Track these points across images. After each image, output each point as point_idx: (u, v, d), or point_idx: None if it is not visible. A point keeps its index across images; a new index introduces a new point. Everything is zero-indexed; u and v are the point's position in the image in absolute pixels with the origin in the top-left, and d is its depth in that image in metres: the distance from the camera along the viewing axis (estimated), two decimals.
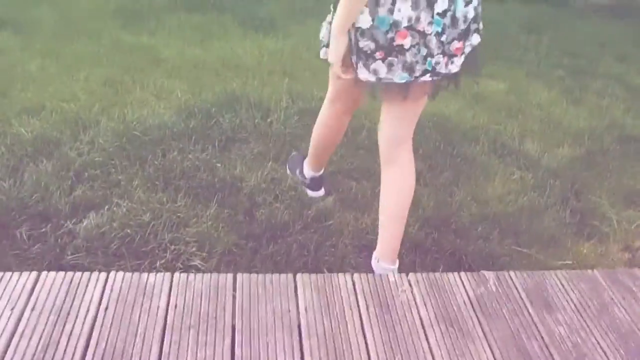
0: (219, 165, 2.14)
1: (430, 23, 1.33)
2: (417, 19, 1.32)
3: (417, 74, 1.38)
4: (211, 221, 1.88)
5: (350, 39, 1.38)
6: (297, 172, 2.14)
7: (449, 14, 1.35)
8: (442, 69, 1.40)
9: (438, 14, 1.33)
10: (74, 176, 1.98)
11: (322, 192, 2.12)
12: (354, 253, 1.85)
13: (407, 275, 1.54)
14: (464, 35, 1.41)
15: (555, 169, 2.62)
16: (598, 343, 1.42)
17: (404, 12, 1.31)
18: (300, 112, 2.69)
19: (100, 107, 2.47)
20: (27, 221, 1.73)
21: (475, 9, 1.41)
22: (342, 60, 1.43)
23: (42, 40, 3.06)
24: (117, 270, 1.49)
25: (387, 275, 1.51)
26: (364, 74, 1.41)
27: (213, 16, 3.75)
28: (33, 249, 1.64)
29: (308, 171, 2.08)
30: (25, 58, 2.82)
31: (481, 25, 1.47)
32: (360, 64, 1.40)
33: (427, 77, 1.40)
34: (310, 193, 2.10)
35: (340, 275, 1.49)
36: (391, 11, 1.31)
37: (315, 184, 2.09)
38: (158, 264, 1.67)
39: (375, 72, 1.39)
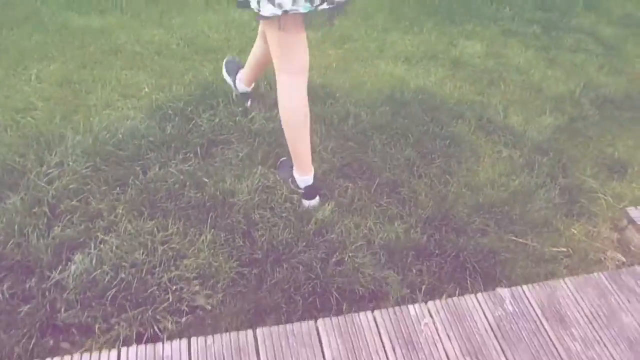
0: (206, 180, 1.99)
1: None
2: None
3: (317, 3, 1.61)
4: (209, 249, 1.77)
5: None
6: (290, 181, 2.06)
7: None
8: None
9: None
10: (49, 211, 1.79)
11: (317, 200, 2.04)
12: (362, 268, 1.81)
13: (426, 303, 1.51)
14: None
15: (540, 143, 2.62)
16: (612, 356, 1.46)
17: None
18: None
19: (61, 114, 2.22)
20: (7, 277, 1.57)
21: None
22: None
23: None
24: (122, 331, 1.39)
25: (408, 307, 1.48)
26: (269, 10, 1.58)
27: None
28: (21, 310, 1.49)
29: (300, 178, 2.00)
30: None
31: None
32: (264, 2, 1.57)
33: (325, 6, 1.64)
34: (305, 203, 2.01)
35: (361, 314, 1.44)
36: None
37: (310, 192, 2.01)
38: (161, 307, 1.57)
39: (280, 5, 1.56)
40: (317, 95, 2.60)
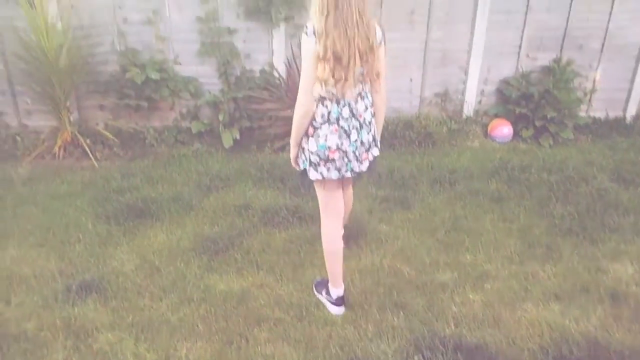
0: None
1: (349, 146, 2.40)
2: (342, 144, 2.39)
3: (343, 172, 2.46)
4: None
5: (306, 156, 2.45)
6: (324, 292, 2.75)
7: (358, 140, 2.42)
8: (356, 169, 2.49)
9: (354, 141, 2.41)
10: None
11: (343, 308, 2.69)
12: None
13: None
14: (367, 150, 2.50)
15: None
16: None
17: (333, 141, 2.38)
18: None
19: None
20: None
21: (373, 135, 2.50)
22: (295, 159, 2.54)
23: (130, 305, 2.77)
24: None
25: None
26: (314, 175, 2.46)
27: (298, 231, 3.45)
28: None
29: (334, 290, 2.69)
30: (117, 342, 2.50)
31: (379, 144, 2.57)
32: (311, 169, 2.45)
33: (349, 174, 2.48)
34: (333, 310, 2.68)
35: None
36: (326, 140, 2.37)
37: (339, 301, 2.69)
38: None
39: (321, 173, 2.44)
40: None
